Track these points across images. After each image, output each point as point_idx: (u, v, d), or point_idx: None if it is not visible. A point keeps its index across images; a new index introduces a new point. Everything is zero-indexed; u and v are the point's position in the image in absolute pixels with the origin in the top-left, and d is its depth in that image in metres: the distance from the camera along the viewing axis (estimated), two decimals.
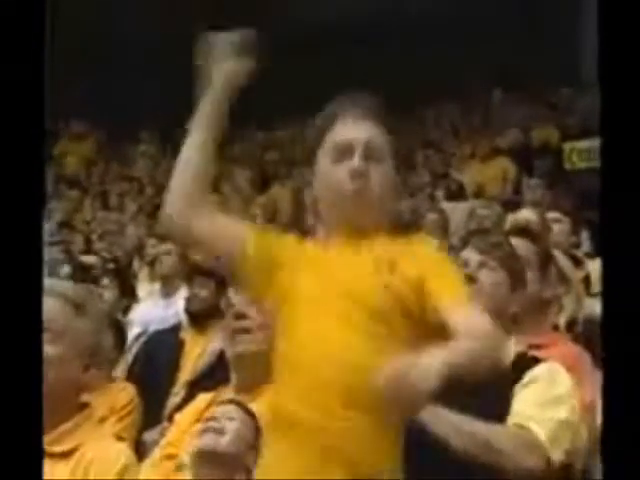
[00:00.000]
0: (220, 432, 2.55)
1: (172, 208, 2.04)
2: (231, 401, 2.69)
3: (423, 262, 1.94)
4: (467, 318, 1.83)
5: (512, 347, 2.46)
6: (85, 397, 2.41)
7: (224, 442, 2.53)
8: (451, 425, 2.21)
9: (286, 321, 1.95)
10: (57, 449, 2.17)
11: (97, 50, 13.82)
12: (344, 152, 2.00)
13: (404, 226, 2.16)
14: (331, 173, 2.01)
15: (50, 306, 2.21)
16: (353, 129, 2.03)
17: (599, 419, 2.49)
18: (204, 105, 2.08)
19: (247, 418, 2.59)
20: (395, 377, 1.62)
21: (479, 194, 8.29)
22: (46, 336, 2.15)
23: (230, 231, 2.03)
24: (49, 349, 2.16)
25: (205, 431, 2.59)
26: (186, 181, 2.04)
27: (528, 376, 2.38)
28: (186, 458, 2.67)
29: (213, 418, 2.62)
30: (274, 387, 1.97)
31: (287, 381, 1.91)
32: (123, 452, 2.23)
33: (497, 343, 1.87)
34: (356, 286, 1.90)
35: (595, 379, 2.72)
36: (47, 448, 2.14)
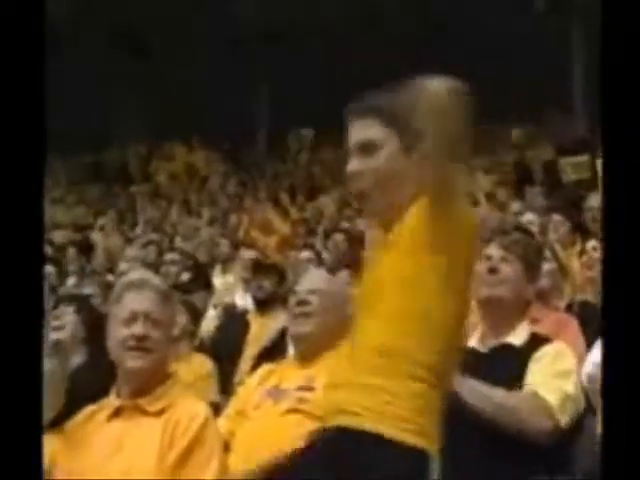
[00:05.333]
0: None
1: None
2: None
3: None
4: None
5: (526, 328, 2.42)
6: (173, 367, 2.47)
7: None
8: (477, 392, 2.16)
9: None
10: (152, 409, 2.22)
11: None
12: (349, 155, 1.79)
13: None
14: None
15: (149, 298, 2.29)
16: (351, 132, 1.80)
17: (586, 366, 2.53)
18: None
19: None
20: None
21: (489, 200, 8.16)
22: (148, 324, 2.24)
23: None
24: (152, 333, 2.24)
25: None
26: None
27: (540, 352, 2.32)
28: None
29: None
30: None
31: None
32: (204, 410, 2.25)
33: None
34: (383, 276, 1.76)
35: (581, 341, 3.05)
36: (145, 408, 2.22)
